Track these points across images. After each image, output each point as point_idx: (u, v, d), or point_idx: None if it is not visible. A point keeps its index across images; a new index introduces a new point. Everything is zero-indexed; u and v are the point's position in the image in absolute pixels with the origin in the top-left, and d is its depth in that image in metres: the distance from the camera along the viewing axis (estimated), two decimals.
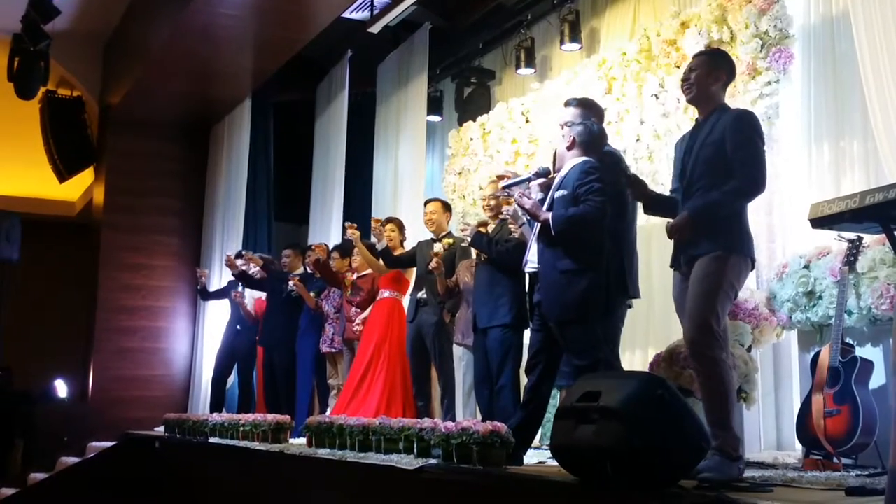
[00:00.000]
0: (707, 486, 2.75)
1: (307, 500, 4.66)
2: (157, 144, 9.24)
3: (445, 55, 7.87)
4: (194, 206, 9.37)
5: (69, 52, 8.81)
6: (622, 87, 5.48)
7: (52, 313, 11.57)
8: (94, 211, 9.53)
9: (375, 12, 7.17)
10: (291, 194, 9.22)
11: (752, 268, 3.33)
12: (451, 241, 5.35)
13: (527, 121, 6.48)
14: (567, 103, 4.06)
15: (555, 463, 3.17)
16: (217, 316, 8.33)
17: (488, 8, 7.40)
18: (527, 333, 4.57)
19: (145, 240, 9.10)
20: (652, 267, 5.06)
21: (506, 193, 4.27)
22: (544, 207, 3.77)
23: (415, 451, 3.94)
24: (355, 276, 6.31)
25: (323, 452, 4.57)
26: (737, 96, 4.48)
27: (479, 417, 4.73)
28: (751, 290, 4.17)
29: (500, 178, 4.66)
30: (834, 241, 3.83)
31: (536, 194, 3.91)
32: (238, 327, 7.46)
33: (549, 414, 4.19)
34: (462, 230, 4.86)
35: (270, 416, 5.63)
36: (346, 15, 7.18)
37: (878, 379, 3.57)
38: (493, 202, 4.89)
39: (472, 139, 7.06)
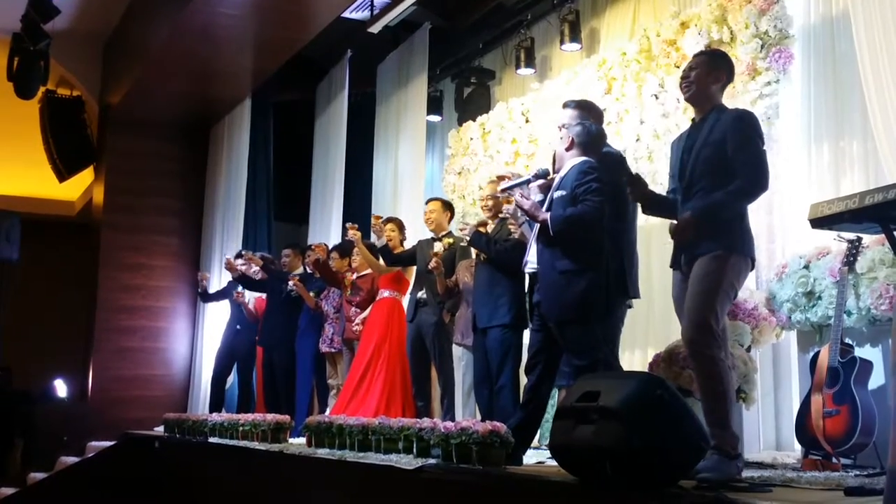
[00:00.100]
0: (706, 487, 2.75)
1: (307, 499, 4.66)
2: (157, 144, 9.24)
3: (445, 55, 7.87)
4: (194, 205, 9.37)
5: (69, 52, 8.81)
6: (622, 88, 5.48)
7: (52, 313, 11.57)
8: (94, 211, 9.53)
9: (375, 12, 7.17)
10: (291, 194, 9.22)
11: (752, 268, 3.33)
12: (451, 240, 5.35)
13: (527, 121, 6.48)
14: (565, 105, 4.06)
15: (554, 463, 3.17)
16: (217, 316, 8.33)
17: (488, 8, 7.40)
18: (526, 333, 4.58)
19: (145, 240, 9.11)
20: (652, 267, 5.06)
21: (506, 194, 4.27)
22: (543, 208, 3.77)
23: (414, 450, 3.94)
24: (355, 275, 6.32)
25: (322, 452, 4.57)
26: (737, 96, 4.48)
27: (479, 417, 4.73)
28: (750, 291, 4.17)
29: (501, 178, 4.66)
30: (833, 242, 3.83)
31: (536, 196, 3.91)
32: (238, 327, 7.46)
33: (549, 414, 4.19)
34: (461, 230, 4.86)
35: (270, 416, 5.63)
36: (346, 15, 7.18)
37: (877, 379, 3.57)
38: (490, 202, 4.89)
39: (471, 139, 7.07)
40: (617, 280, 3.75)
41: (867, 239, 3.68)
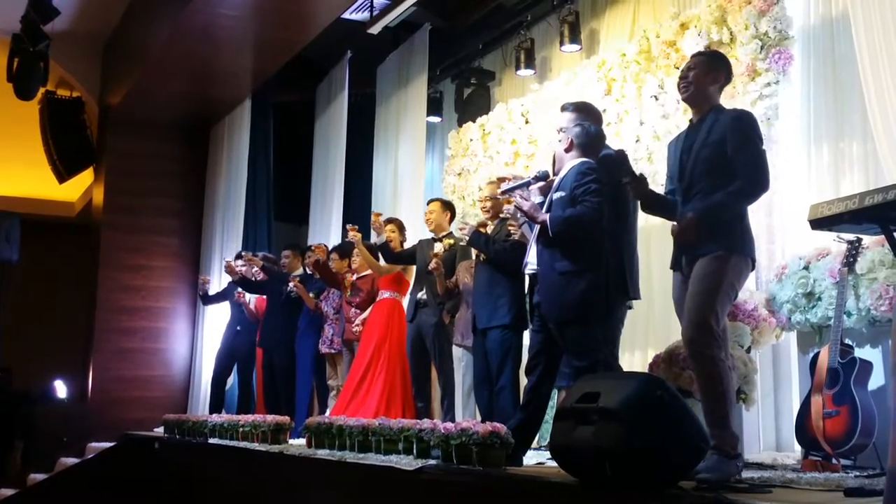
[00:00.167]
0: (706, 487, 2.76)
1: (306, 500, 4.66)
2: (157, 145, 9.25)
3: (445, 56, 7.87)
4: (194, 206, 9.37)
5: (69, 53, 8.81)
6: (622, 89, 5.48)
7: (52, 314, 11.57)
8: (94, 211, 9.53)
9: (375, 13, 7.17)
10: (291, 195, 9.22)
11: (753, 268, 3.33)
12: (451, 241, 5.35)
13: (526, 122, 6.49)
14: (563, 108, 4.06)
15: (554, 464, 3.17)
16: (217, 317, 8.33)
17: (488, 9, 7.41)
18: (526, 334, 4.58)
19: (145, 240, 9.10)
20: (651, 268, 5.06)
21: (506, 196, 4.27)
22: (543, 209, 3.77)
23: (414, 451, 3.94)
24: (355, 276, 6.32)
25: (322, 453, 4.57)
26: (736, 97, 4.48)
27: (479, 418, 4.73)
28: (750, 292, 4.17)
29: (502, 180, 4.66)
30: (833, 243, 3.83)
31: (536, 198, 3.91)
32: (238, 328, 7.46)
33: (549, 415, 4.19)
34: (461, 229, 4.87)
35: (270, 417, 5.63)
36: (346, 16, 7.19)
37: (877, 380, 3.58)
38: (489, 204, 4.90)
39: (471, 140, 7.07)
40: (617, 281, 3.75)
41: (867, 240, 3.68)
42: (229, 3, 6.69)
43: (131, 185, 9.09)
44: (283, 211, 9.45)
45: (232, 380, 7.75)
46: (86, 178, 9.94)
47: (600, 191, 3.64)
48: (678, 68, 4.82)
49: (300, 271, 7.08)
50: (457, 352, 5.57)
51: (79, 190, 11.48)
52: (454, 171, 7.23)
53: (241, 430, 5.65)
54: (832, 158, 4.38)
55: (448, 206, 5.73)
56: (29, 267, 10.08)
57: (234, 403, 7.58)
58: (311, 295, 6.69)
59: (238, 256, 7.49)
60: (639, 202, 3.69)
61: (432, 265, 5.25)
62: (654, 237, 5.09)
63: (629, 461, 2.64)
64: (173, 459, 6.59)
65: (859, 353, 3.64)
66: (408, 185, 7.57)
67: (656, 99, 5.15)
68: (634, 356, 5.31)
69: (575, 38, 6.32)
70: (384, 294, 5.97)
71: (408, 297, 5.83)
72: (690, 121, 3.44)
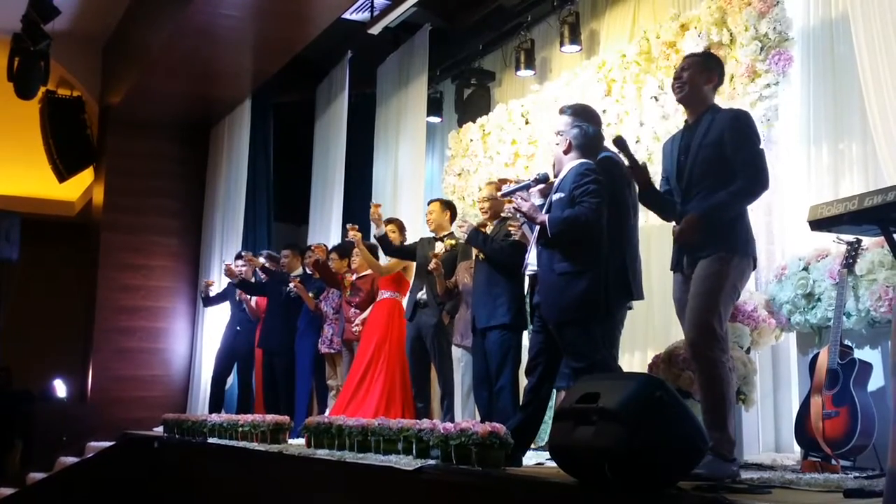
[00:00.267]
0: (705, 488, 2.76)
1: (306, 500, 4.66)
2: (157, 145, 9.25)
3: (445, 56, 7.87)
4: (194, 206, 9.38)
5: (69, 52, 8.81)
6: (621, 89, 5.48)
7: (52, 313, 11.56)
8: (94, 211, 9.53)
9: (375, 13, 7.17)
10: (291, 195, 9.22)
11: (755, 267, 3.34)
12: (452, 241, 5.35)
13: (526, 122, 6.49)
14: (561, 111, 4.06)
15: (553, 464, 3.17)
16: (216, 316, 8.33)
17: (488, 9, 7.41)
18: (526, 334, 4.58)
19: (145, 240, 9.11)
20: (651, 268, 5.06)
21: (506, 198, 4.27)
22: (543, 211, 3.78)
23: (414, 451, 3.94)
24: (354, 276, 6.32)
25: (322, 453, 4.57)
26: (736, 98, 4.49)
27: (478, 419, 4.73)
28: (750, 292, 4.17)
29: (503, 181, 4.66)
30: (833, 244, 3.83)
31: (537, 200, 3.92)
32: (238, 328, 7.46)
33: (548, 416, 4.19)
34: (459, 227, 4.87)
35: (269, 417, 5.63)
36: (346, 16, 7.19)
37: (876, 381, 3.58)
38: (487, 204, 4.90)
39: (471, 140, 7.07)
40: (618, 281, 3.75)
41: (866, 241, 3.68)
42: (229, 3, 6.69)
43: (131, 184, 9.09)
44: (283, 211, 9.45)
45: (232, 379, 7.75)
46: (86, 177, 9.94)
47: (599, 192, 3.64)
48: None
49: (299, 271, 7.08)
50: (456, 352, 5.57)
51: (79, 189, 11.47)
52: (454, 171, 7.23)
53: (240, 429, 5.65)
54: (832, 159, 4.38)
55: (448, 206, 5.72)
56: (29, 266, 10.07)
57: (234, 403, 7.58)
58: (310, 295, 6.69)
59: (238, 256, 7.49)
60: (638, 201, 3.69)
61: (432, 265, 5.25)
62: (654, 237, 5.09)
63: (628, 462, 2.64)
64: (173, 459, 6.59)
65: (859, 354, 3.64)
66: (408, 185, 7.57)
67: (656, 100, 5.16)
68: (634, 357, 5.31)
69: (575, 39, 6.32)
70: (384, 294, 5.97)
71: (408, 295, 5.83)
72: (686, 121, 3.44)
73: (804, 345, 4.07)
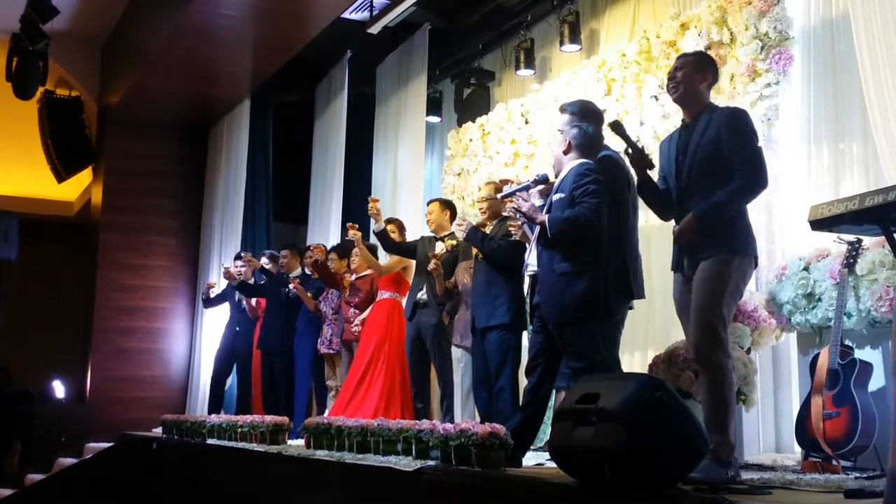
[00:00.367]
0: (705, 489, 2.75)
1: (305, 501, 4.65)
2: (156, 145, 9.24)
3: (445, 56, 7.86)
4: (193, 206, 9.37)
5: (68, 52, 8.81)
6: (621, 89, 5.48)
7: (50, 313, 11.55)
8: (93, 211, 9.52)
9: (375, 13, 7.16)
10: (290, 195, 9.21)
11: (756, 266, 3.33)
12: (454, 242, 5.33)
13: (526, 122, 6.48)
14: (562, 109, 4.05)
15: (553, 465, 3.16)
16: (215, 317, 8.32)
17: (488, 9, 7.40)
18: (526, 335, 4.57)
19: (143, 240, 9.10)
20: (651, 268, 5.05)
21: (506, 199, 4.26)
22: (543, 211, 3.77)
23: (413, 452, 3.93)
24: (353, 277, 6.31)
25: (321, 454, 4.56)
26: (736, 98, 4.48)
27: (478, 419, 4.72)
28: (750, 292, 4.16)
29: (505, 182, 4.65)
30: (833, 243, 3.82)
31: (537, 200, 3.91)
32: (237, 328, 7.45)
33: (548, 416, 4.18)
34: (458, 225, 4.86)
35: (268, 418, 5.62)
36: (346, 15, 7.18)
37: (877, 381, 3.57)
38: (485, 205, 4.89)
39: (471, 140, 7.06)
40: (618, 281, 3.74)
41: (867, 241, 3.67)
42: (229, 2, 6.68)
43: (130, 184, 9.08)
44: (282, 211, 9.45)
45: (231, 380, 7.74)
46: (84, 177, 9.93)
47: (599, 192, 3.63)
48: None
49: (298, 271, 7.07)
50: (456, 352, 5.56)
51: (77, 189, 11.47)
52: (454, 171, 7.22)
53: (239, 430, 5.64)
54: (832, 159, 4.37)
55: (448, 206, 5.71)
56: (27, 266, 10.05)
57: (233, 404, 7.57)
58: (309, 295, 6.68)
59: (237, 257, 7.48)
60: (637, 196, 3.68)
61: (431, 266, 5.24)
62: (654, 237, 5.08)
63: (628, 462, 2.63)
64: (172, 460, 6.58)
65: (859, 354, 3.64)
66: (407, 185, 7.56)
67: (656, 99, 5.15)
68: (634, 357, 5.30)
69: (575, 39, 6.31)
70: (384, 294, 5.96)
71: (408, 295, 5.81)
72: (683, 121, 3.43)
73: (805, 345, 4.07)
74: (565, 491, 2.95)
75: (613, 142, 4.22)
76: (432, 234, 5.59)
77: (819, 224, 3.12)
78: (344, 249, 6.63)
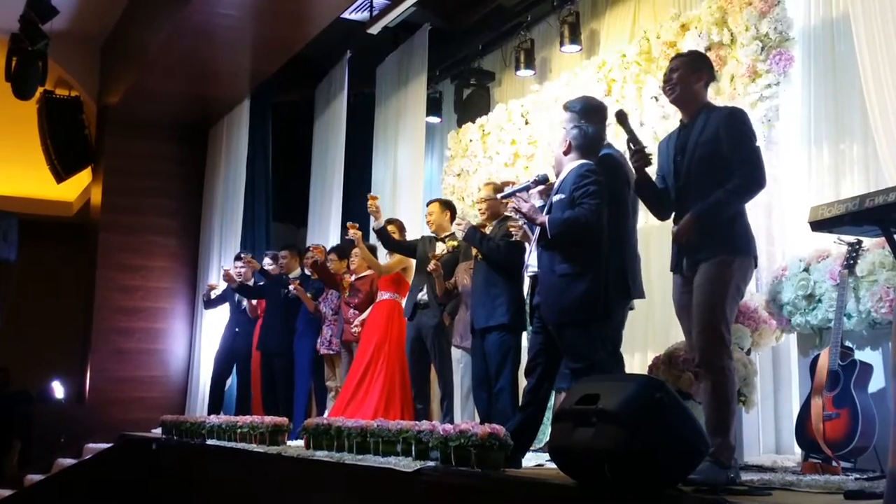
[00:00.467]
0: (705, 490, 2.75)
1: (305, 502, 4.65)
2: (156, 145, 9.24)
3: (445, 56, 7.86)
4: (192, 206, 9.36)
5: (67, 53, 8.80)
6: (622, 90, 5.47)
7: (50, 314, 11.55)
8: (92, 211, 9.51)
9: (375, 13, 7.16)
10: (290, 195, 9.21)
11: (756, 266, 3.32)
12: (454, 243, 5.33)
13: (526, 122, 6.47)
14: (565, 107, 4.05)
15: (553, 466, 3.16)
16: (215, 317, 8.31)
17: (488, 9, 7.40)
18: (525, 335, 4.56)
19: (143, 241, 9.09)
20: (651, 269, 5.04)
21: (506, 199, 4.26)
22: (543, 212, 3.76)
23: (413, 453, 3.93)
24: (353, 277, 6.30)
25: (321, 454, 4.56)
26: (737, 98, 4.48)
27: (478, 420, 4.71)
28: (751, 293, 4.16)
29: (506, 184, 4.65)
30: (833, 245, 3.82)
31: (537, 201, 3.90)
32: (237, 329, 7.45)
33: (547, 416, 4.18)
34: (458, 225, 4.85)
35: (268, 418, 5.61)
36: (346, 16, 7.18)
37: (877, 382, 3.57)
38: (484, 205, 4.88)
39: (471, 141, 7.06)
40: (617, 282, 3.74)
41: (867, 242, 3.67)
42: (228, 2, 6.68)
43: (129, 185, 9.07)
44: (282, 211, 9.44)
45: (230, 381, 7.73)
46: (84, 177, 9.92)
47: (599, 192, 3.63)
48: None
49: (298, 272, 7.06)
50: (456, 353, 5.55)
51: (77, 190, 11.46)
52: (453, 171, 7.22)
53: (239, 431, 5.64)
54: (832, 160, 4.37)
55: (448, 206, 5.70)
56: (27, 267, 10.04)
57: (233, 404, 7.56)
58: (308, 296, 6.67)
59: (237, 258, 7.48)
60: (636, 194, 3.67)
61: (431, 266, 5.24)
62: (653, 237, 5.08)
63: (628, 463, 2.63)
64: (171, 461, 6.58)
65: (859, 355, 3.63)
66: (407, 185, 7.56)
67: (656, 100, 5.14)
68: (634, 358, 5.29)
69: (575, 39, 6.31)
70: (384, 295, 5.95)
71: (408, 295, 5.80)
72: (681, 121, 3.42)
73: (805, 346, 4.06)
74: (565, 492, 2.94)
75: (613, 142, 4.23)
76: (433, 234, 5.59)
77: (819, 225, 3.12)
78: (343, 250, 6.62)
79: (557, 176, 3.87)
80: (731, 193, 3.18)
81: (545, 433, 4.55)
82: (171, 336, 9.11)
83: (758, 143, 3.32)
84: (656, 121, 5.14)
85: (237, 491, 5.41)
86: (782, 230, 4.48)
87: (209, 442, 6.01)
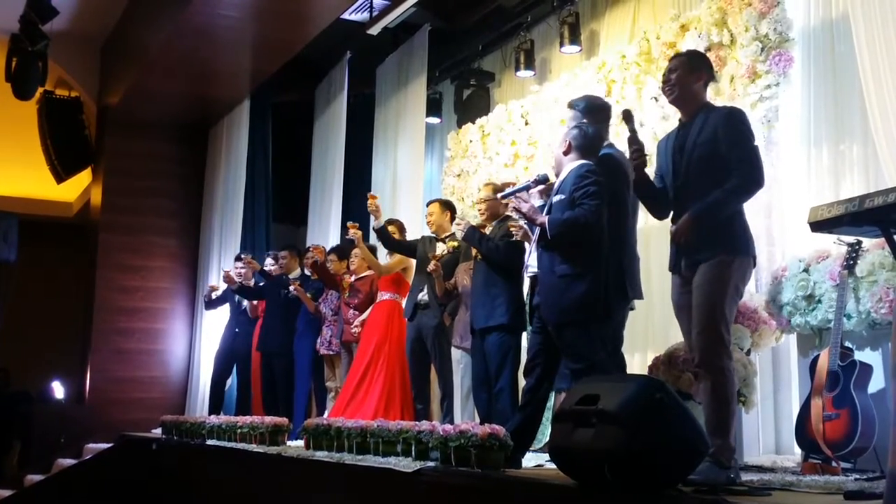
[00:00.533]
0: (705, 490, 2.75)
1: (305, 502, 4.65)
2: (156, 145, 9.23)
3: (445, 57, 7.86)
4: (192, 207, 9.36)
5: (67, 53, 8.80)
6: (621, 90, 5.48)
7: (50, 314, 11.55)
8: (92, 212, 9.51)
9: (374, 14, 7.16)
10: (290, 196, 9.21)
11: (755, 265, 3.32)
12: (455, 243, 5.33)
13: (526, 123, 6.47)
14: (570, 105, 4.05)
15: (553, 466, 3.16)
16: (214, 318, 8.31)
17: (488, 10, 7.40)
18: (525, 336, 4.56)
19: (143, 241, 9.09)
20: (651, 270, 5.05)
21: (506, 200, 4.26)
22: (543, 213, 3.76)
23: (413, 453, 3.93)
24: (353, 278, 6.30)
25: (320, 455, 4.56)
26: (736, 99, 4.48)
27: (478, 420, 4.71)
28: (750, 294, 4.16)
29: (506, 185, 4.65)
30: (833, 245, 3.82)
31: (536, 201, 3.91)
32: (236, 329, 7.45)
33: (547, 417, 4.18)
34: (457, 225, 4.86)
35: (268, 419, 5.61)
36: (346, 16, 7.18)
37: (877, 383, 3.57)
38: (483, 206, 4.88)
39: (471, 141, 7.06)
40: (616, 283, 3.74)
41: (867, 242, 3.67)
42: (228, 3, 6.68)
43: (129, 185, 9.07)
44: (282, 212, 9.44)
45: (230, 381, 7.73)
46: (84, 178, 9.92)
47: (599, 193, 3.63)
48: None
49: (298, 272, 7.06)
50: (455, 353, 5.55)
51: (77, 190, 11.46)
52: (453, 172, 7.22)
53: (238, 431, 5.64)
54: (832, 160, 4.37)
55: (448, 206, 5.70)
56: (27, 267, 10.04)
57: (233, 405, 7.56)
58: (308, 296, 6.67)
59: (237, 258, 7.48)
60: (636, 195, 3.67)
61: (431, 267, 5.24)
62: (653, 237, 5.08)
63: (628, 464, 2.63)
64: (171, 461, 6.58)
65: (859, 355, 3.63)
66: (407, 186, 7.56)
67: (656, 100, 5.14)
68: (634, 358, 5.29)
69: (575, 40, 6.31)
70: (384, 295, 5.95)
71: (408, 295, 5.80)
72: (680, 120, 3.43)
73: (804, 346, 4.06)
74: (565, 492, 2.94)
75: (614, 142, 4.23)
76: (433, 235, 5.59)
77: (819, 226, 3.12)
78: (343, 251, 6.62)
79: (557, 176, 3.87)
80: (730, 193, 3.18)
81: (545, 433, 4.56)
82: (171, 336, 9.11)
83: (756, 143, 3.33)
84: (656, 121, 5.14)
85: (237, 491, 5.41)
86: (782, 231, 4.48)
87: (209, 442, 6.01)
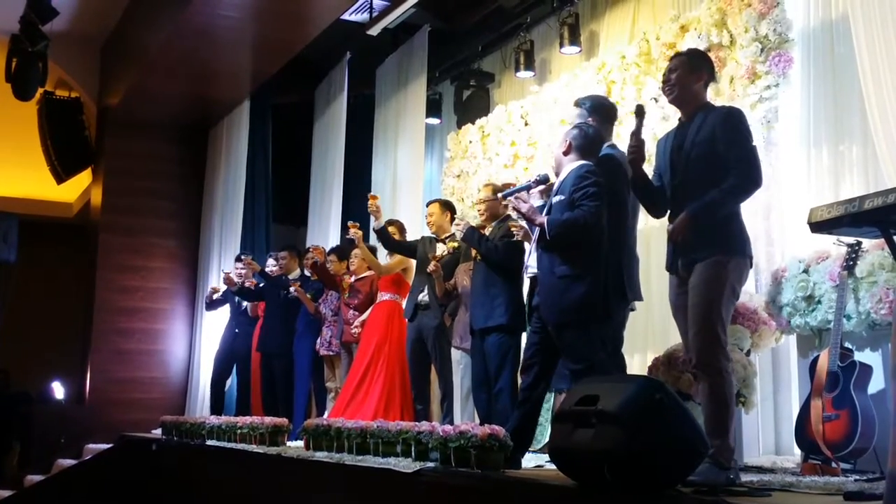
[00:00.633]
0: (705, 491, 2.75)
1: (304, 502, 4.65)
2: (156, 146, 9.24)
3: (444, 57, 7.86)
4: (192, 207, 9.36)
5: (67, 53, 8.81)
6: (621, 91, 5.48)
7: (50, 315, 11.55)
8: (92, 212, 9.51)
9: (374, 14, 7.16)
10: (290, 196, 9.21)
11: (751, 266, 3.32)
12: (455, 244, 5.33)
13: (526, 124, 6.48)
14: (576, 104, 4.05)
15: (553, 467, 3.16)
16: (214, 318, 8.31)
17: (488, 10, 7.40)
18: (525, 336, 4.56)
19: (143, 241, 9.09)
20: (651, 270, 5.05)
21: (506, 200, 4.26)
22: (543, 213, 3.77)
23: (412, 454, 3.93)
24: (353, 278, 6.30)
25: (320, 455, 4.56)
26: (736, 100, 4.48)
27: (478, 421, 4.72)
28: (750, 294, 4.16)
29: (506, 186, 4.65)
30: (833, 246, 3.82)
31: (536, 201, 3.91)
32: (236, 330, 7.45)
33: (547, 417, 4.18)
34: (456, 225, 4.86)
35: (268, 419, 5.61)
36: (346, 17, 7.19)
37: (876, 384, 3.57)
38: (482, 206, 4.88)
39: (470, 142, 7.06)
40: (616, 284, 3.74)
41: (867, 243, 3.67)
42: (228, 3, 6.68)
43: (129, 185, 9.07)
44: (282, 212, 9.44)
45: (230, 381, 7.74)
46: (84, 178, 9.93)
47: (599, 194, 3.63)
48: None
49: (298, 273, 7.06)
50: (455, 354, 5.55)
51: (77, 191, 11.46)
52: (453, 172, 7.22)
53: (238, 432, 5.64)
54: (832, 161, 4.37)
55: (448, 207, 5.70)
56: (27, 268, 10.07)
57: (233, 405, 7.57)
58: (308, 296, 6.67)
59: (237, 259, 7.48)
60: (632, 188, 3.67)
61: (431, 267, 5.24)
62: (652, 239, 5.08)
63: (628, 464, 2.63)
64: (171, 461, 6.58)
65: (859, 356, 3.64)
66: (407, 186, 7.56)
67: (656, 101, 5.14)
68: (633, 359, 5.29)
69: (574, 41, 6.31)
70: (384, 296, 5.95)
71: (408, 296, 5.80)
72: (679, 119, 3.43)
73: (804, 347, 4.07)
74: (565, 493, 2.94)
75: (619, 141, 4.23)
76: (433, 235, 5.59)
77: (819, 226, 3.12)
78: (343, 251, 6.62)
79: (557, 176, 3.87)
80: (727, 193, 3.18)
81: (545, 434, 4.56)
82: (171, 337, 9.11)
83: (755, 143, 3.33)
84: (656, 122, 5.14)
85: (237, 491, 5.41)
86: (782, 231, 4.48)
87: (209, 442, 6.01)
